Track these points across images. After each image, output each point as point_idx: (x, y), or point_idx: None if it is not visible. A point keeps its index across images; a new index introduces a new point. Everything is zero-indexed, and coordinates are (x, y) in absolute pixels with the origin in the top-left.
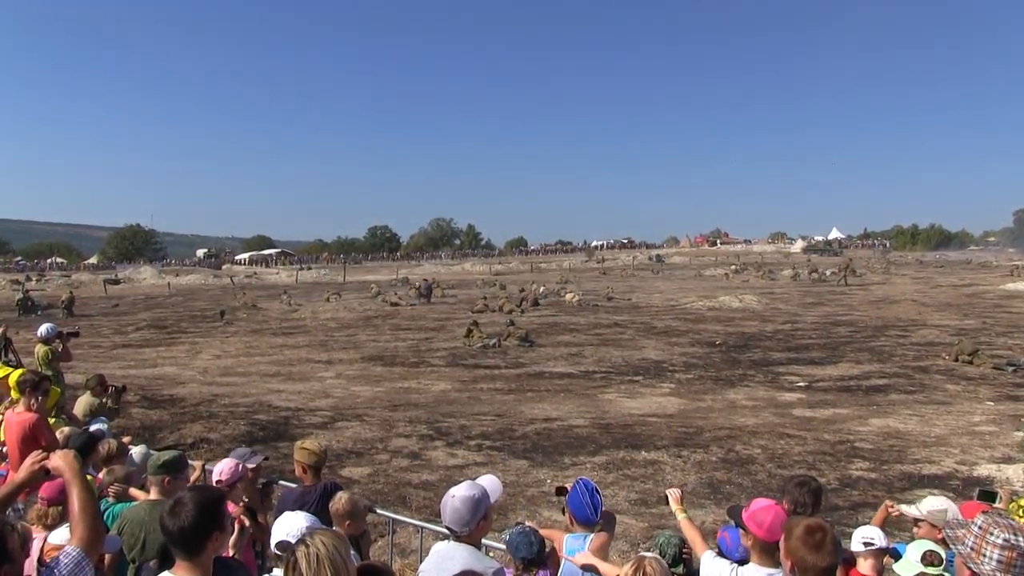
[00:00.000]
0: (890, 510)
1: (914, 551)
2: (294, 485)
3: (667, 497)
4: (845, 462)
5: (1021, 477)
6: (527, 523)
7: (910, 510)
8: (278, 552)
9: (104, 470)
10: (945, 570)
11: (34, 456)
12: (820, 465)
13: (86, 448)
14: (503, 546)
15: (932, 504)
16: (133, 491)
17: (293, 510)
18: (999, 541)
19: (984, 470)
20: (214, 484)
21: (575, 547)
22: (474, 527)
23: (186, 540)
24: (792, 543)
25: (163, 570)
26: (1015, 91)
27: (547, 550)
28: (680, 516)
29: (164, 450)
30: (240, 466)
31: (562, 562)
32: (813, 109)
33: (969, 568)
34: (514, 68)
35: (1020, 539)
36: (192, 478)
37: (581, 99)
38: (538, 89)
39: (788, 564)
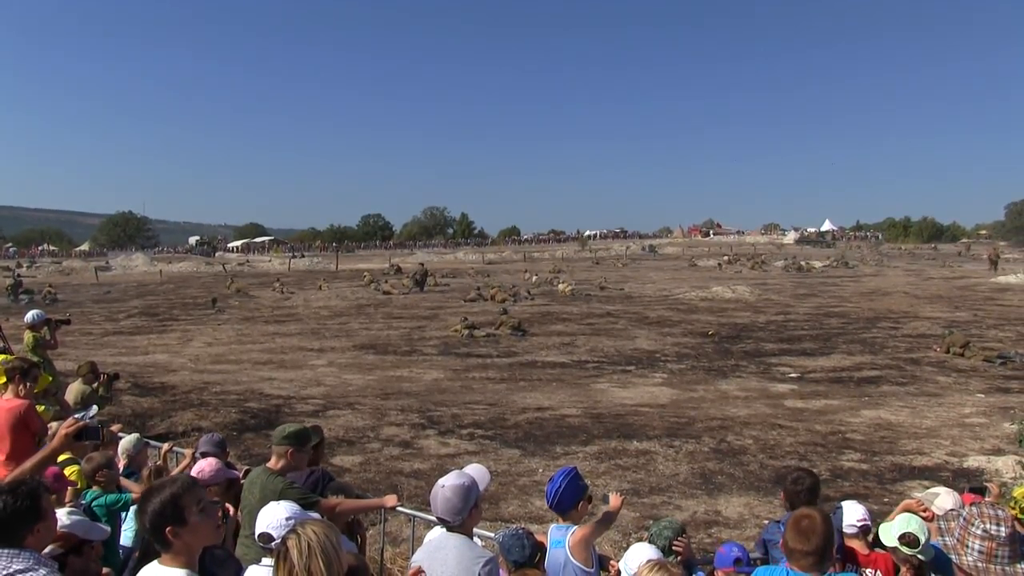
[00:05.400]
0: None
1: (898, 525)
2: None
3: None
4: (836, 453)
5: (1011, 469)
6: (523, 526)
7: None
8: (260, 544)
9: (84, 458)
10: (922, 551)
11: (66, 425)
12: (812, 456)
13: (96, 434)
14: (491, 534)
15: (943, 502)
16: (124, 481)
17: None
18: (979, 532)
19: (974, 462)
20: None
21: (558, 538)
22: (466, 516)
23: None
24: (786, 532)
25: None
26: (1009, 87)
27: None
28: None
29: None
30: (221, 468)
31: (547, 551)
32: (806, 101)
33: (953, 560)
34: (507, 59)
35: (1001, 528)
36: (181, 466)
37: (575, 88)
38: (531, 79)
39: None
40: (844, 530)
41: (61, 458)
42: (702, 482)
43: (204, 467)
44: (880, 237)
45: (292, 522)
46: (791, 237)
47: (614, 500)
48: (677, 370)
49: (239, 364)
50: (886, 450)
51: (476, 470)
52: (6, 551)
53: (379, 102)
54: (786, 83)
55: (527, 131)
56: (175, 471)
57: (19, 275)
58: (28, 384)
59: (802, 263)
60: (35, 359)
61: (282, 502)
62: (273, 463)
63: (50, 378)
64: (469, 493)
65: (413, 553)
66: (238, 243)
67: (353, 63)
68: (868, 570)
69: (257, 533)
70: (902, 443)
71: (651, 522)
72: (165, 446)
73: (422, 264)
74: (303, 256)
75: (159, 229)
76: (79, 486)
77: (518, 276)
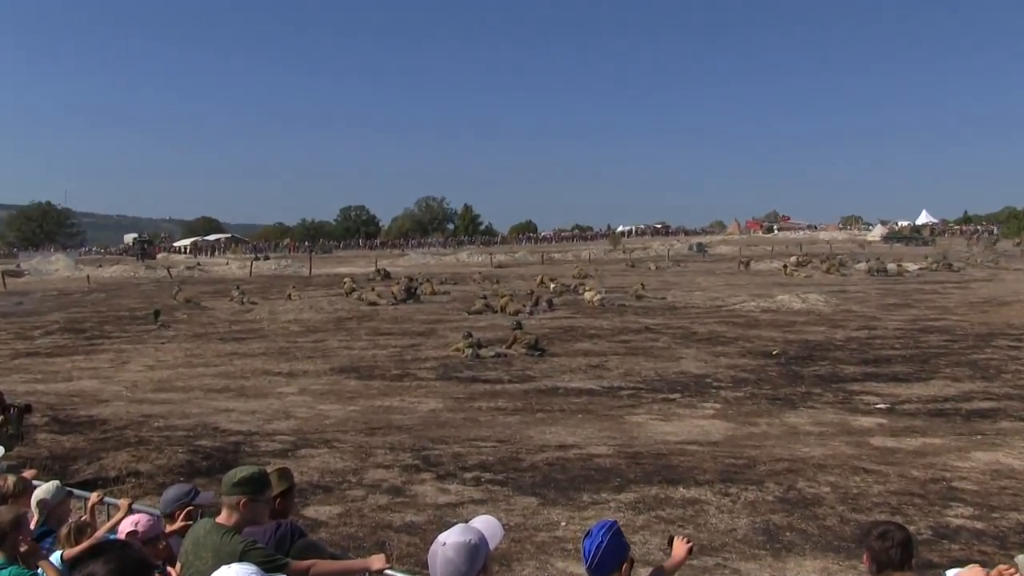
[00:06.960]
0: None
1: None
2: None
3: None
4: (940, 507)
5: None
6: None
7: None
8: None
9: None
10: None
11: None
12: (907, 509)
13: None
14: None
15: None
16: (45, 565)
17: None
18: None
19: None
20: (125, 537)
21: None
22: None
23: None
24: None
25: None
26: None
27: None
28: None
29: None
30: (158, 521)
31: None
32: (893, 67)
33: None
34: (519, 16)
35: None
36: (112, 521)
37: (603, 57)
38: (549, 40)
39: None
40: None
41: None
42: (766, 540)
43: (140, 521)
44: (995, 232)
45: None
46: (877, 232)
47: (679, 547)
48: (733, 399)
49: (188, 392)
50: (1008, 505)
51: (485, 524)
52: None
53: (359, 73)
54: (868, 48)
55: (545, 106)
56: (103, 528)
57: None
58: None
59: (891, 265)
60: None
61: (235, 565)
62: (224, 517)
63: None
64: (476, 553)
65: None
66: (186, 241)
67: (330, 28)
68: None
69: None
70: None
71: None
72: (94, 496)
73: (408, 278)
74: (268, 258)
75: (86, 224)
76: None
77: (534, 282)
